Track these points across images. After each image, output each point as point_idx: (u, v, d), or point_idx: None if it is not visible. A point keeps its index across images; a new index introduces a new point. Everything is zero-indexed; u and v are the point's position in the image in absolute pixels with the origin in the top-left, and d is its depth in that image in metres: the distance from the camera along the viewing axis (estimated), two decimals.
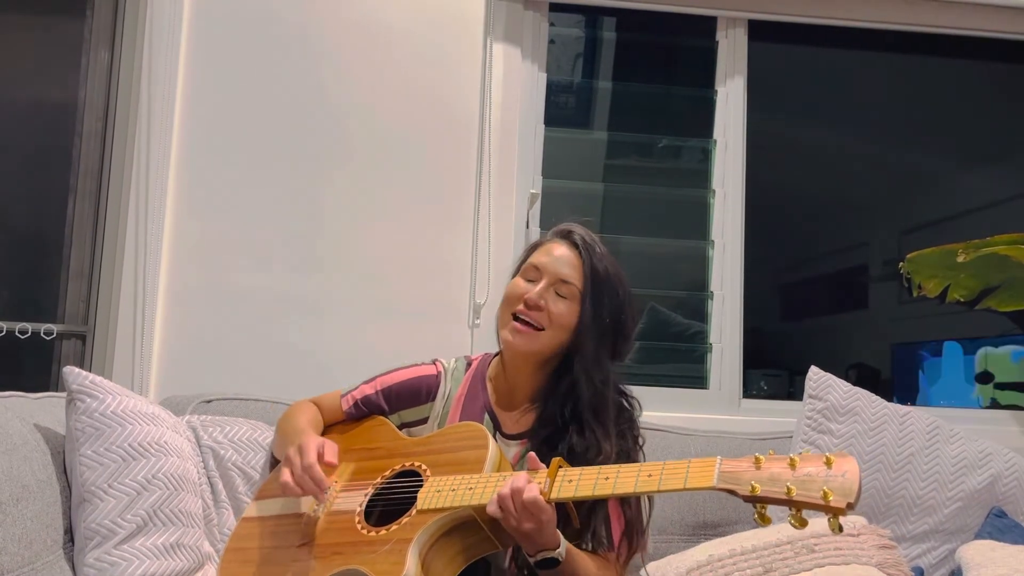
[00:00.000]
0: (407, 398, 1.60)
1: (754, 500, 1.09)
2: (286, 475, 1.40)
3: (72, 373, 1.45)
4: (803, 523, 1.07)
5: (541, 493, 1.23)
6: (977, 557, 1.76)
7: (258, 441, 1.73)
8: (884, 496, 1.93)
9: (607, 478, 1.23)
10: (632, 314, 1.55)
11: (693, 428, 2.10)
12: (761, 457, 1.13)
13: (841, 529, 1.05)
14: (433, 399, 1.59)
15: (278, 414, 1.73)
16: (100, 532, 1.36)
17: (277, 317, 2.19)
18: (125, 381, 2.06)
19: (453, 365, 1.63)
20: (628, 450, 1.49)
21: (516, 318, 1.49)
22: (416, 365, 1.63)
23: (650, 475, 1.20)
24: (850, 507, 1.03)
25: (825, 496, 1.04)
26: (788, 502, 1.07)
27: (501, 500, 1.24)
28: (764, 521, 1.09)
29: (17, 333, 2.12)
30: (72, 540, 1.39)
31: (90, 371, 1.64)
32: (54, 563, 1.32)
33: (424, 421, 1.59)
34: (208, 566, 1.51)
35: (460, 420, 1.54)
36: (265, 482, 1.63)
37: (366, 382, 1.63)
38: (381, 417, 1.60)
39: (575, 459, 1.39)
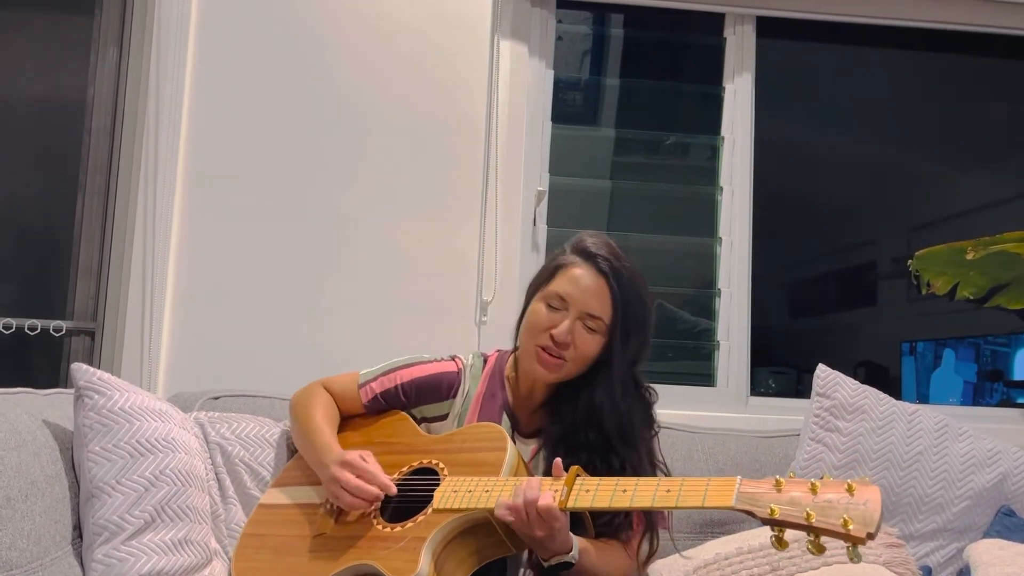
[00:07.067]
0: (428, 394, 1.59)
1: (772, 523, 1.08)
2: (347, 498, 1.40)
3: (80, 370, 1.46)
4: (821, 549, 1.05)
5: (559, 502, 1.23)
6: (985, 556, 1.75)
7: (265, 437, 1.73)
8: (892, 494, 1.92)
9: (624, 491, 1.22)
10: (654, 322, 1.53)
11: (700, 426, 2.10)
12: (782, 480, 1.11)
13: (860, 558, 1.03)
14: (453, 396, 1.59)
15: (285, 411, 1.74)
16: (108, 528, 1.36)
17: (284, 314, 2.19)
18: (133, 378, 2.07)
19: (471, 362, 1.63)
20: (651, 451, 1.51)
21: (543, 348, 1.47)
22: (436, 360, 1.62)
23: (668, 490, 1.19)
24: (870, 536, 1.01)
25: (845, 524, 1.02)
26: (807, 527, 1.05)
27: (514, 510, 1.24)
28: (781, 546, 1.07)
29: (26, 330, 2.13)
30: (80, 536, 1.40)
31: (99, 368, 1.66)
32: (62, 559, 1.33)
33: (444, 417, 1.59)
34: (216, 562, 1.51)
35: (479, 419, 1.54)
36: (285, 468, 1.64)
37: (384, 373, 1.61)
38: (401, 412, 1.60)
39: (610, 475, 1.39)
